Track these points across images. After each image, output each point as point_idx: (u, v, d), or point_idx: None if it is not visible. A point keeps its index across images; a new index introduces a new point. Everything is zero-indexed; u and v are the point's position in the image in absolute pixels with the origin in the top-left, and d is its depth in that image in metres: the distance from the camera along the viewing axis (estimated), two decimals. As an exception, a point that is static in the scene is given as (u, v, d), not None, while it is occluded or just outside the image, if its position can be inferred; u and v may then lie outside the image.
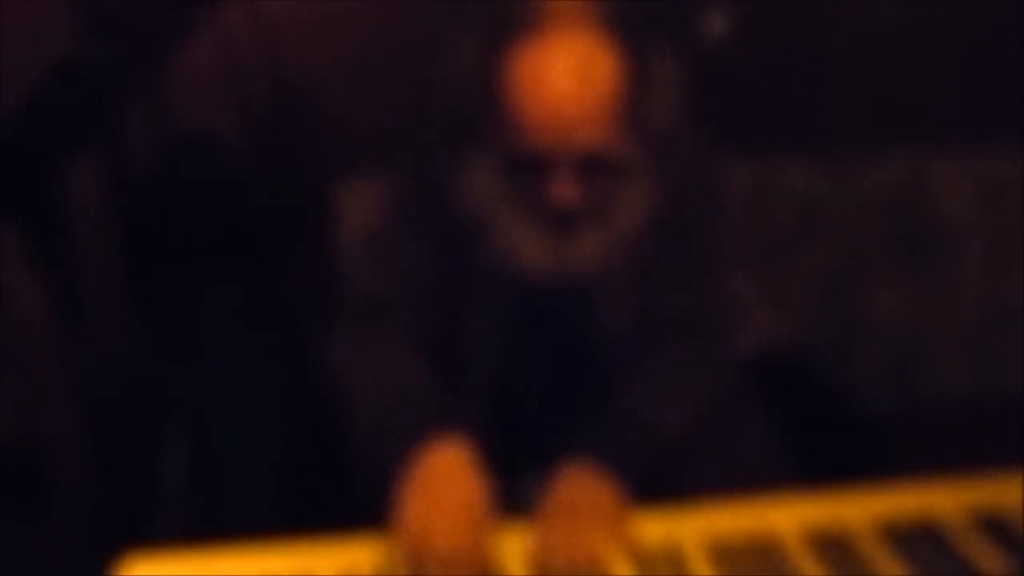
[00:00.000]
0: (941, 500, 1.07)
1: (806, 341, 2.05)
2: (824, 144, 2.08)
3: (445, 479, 1.02)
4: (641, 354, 1.23)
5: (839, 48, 2.08)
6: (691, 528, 1.03)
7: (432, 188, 1.19)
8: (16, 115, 0.98)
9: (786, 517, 1.04)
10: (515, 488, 1.34)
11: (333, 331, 1.32)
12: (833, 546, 1.00)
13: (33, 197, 1.20)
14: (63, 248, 1.27)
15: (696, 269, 1.23)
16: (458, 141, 1.15)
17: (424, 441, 1.07)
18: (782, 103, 2.11)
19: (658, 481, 1.23)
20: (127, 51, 1.13)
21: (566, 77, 1.01)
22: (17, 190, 1.16)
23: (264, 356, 1.84)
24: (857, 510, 1.05)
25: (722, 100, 2.07)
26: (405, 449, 1.08)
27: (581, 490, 1.03)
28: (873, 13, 2.06)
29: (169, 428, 1.60)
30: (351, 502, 1.77)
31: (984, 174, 2.02)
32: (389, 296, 1.28)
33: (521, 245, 1.14)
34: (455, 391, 1.33)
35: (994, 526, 1.03)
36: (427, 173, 1.21)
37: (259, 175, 1.83)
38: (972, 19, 2.09)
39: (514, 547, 1.02)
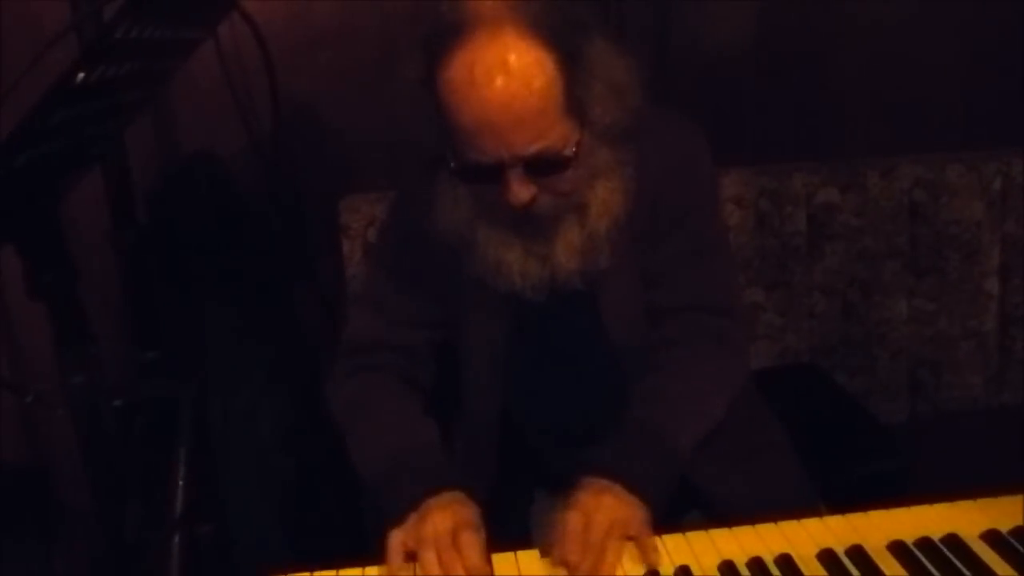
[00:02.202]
0: (958, 516, 1.04)
1: (818, 350, 2.02)
2: (834, 151, 2.05)
3: (444, 541, 1.00)
4: (650, 357, 1.21)
5: (849, 54, 2.06)
6: (707, 550, 1.00)
7: (421, 210, 1.18)
8: (18, 137, 0.96)
9: (803, 539, 1.01)
10: (523, 511, 1.31)
11: (328, 372, 1.30)
12: (851, 565, 0.97)
13: (36, 220, 1.18)
14: (66, 270, 1.25)
15: (691, 257, 1.20)
16: (436, 162, 1.13)
17: (419, 490, 1.05)
18: (792, 110, 2.08)
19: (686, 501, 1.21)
20: (130, 70, 1.11)
21: (495, 80, 0.99)
22: (20, 213, 1.14)
23: (269, 374, 1.82)
24: (873, 529, 1.02)
25: (733, 108, 2.06)
26: (398, 502, 1.06)
27: (601, 509, 1.00)
28: (883, 18, 2.03)
29: (174, 451, 1.57)
30: (359, 528, 1.75)
31: (997, 180, 1.99)
32: (380, 334, 1.27)
33: (506, 259, 1.12)
34: (455, 420, 1.30)
35: (1011, 541, 1.00)
36: (416, 195, 1.20)
37: (263, 193, 1.81)
38: (983, 23, 2.06)
39: (528, 572, 0.99)
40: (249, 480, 1.69)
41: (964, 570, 0.96)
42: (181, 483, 1.56)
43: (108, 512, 1.47)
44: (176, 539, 1.52)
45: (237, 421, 1.67)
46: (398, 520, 1.03)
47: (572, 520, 0.99)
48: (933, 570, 0.96)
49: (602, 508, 1.00)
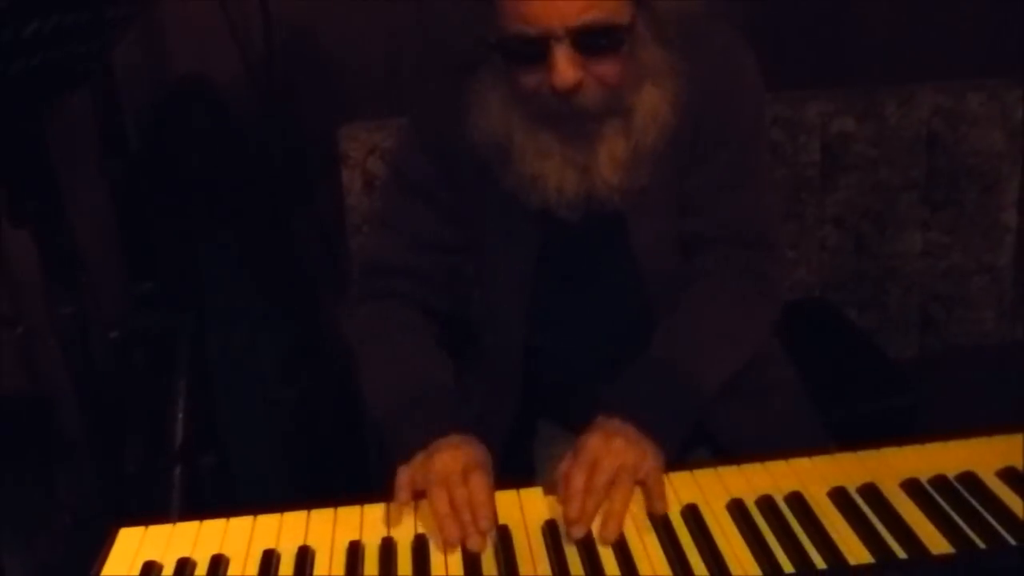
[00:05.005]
0: (972, 454, 1.01)
1: (829, 284, 1.98)
2: (851, 78, 1.98)
3: (452, 484, 0.96)
4: (679, 287, 1.15)
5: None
6: (715, 488, 0.98)
7: (445, 123, 1.11)
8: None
9: (814, 477, 0.98)
10: (527, 443, 1.28)
11: (342, 301, 1.25)
12: (864, 503, 0.95)
13: (18, 144, 1.13)
14: (52, 198, 1.20)
15: (730, 183, 1.13)
16: (469, 69, 1.06)
17: (430, 430, 1.02)
18: (806, 37, 2.01)
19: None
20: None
21: None
22: (3, 139, 1.10)
23: (267, 305, 1.79)
24: (886, 467, 1.00)
25: (746, 33, 1.97)
26: (406, 435, 1.03)
27: (610, 454, 0.96)
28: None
29: (173, 383, 1.55)
30: (359, 458, 1.74)
31: (1020, 110, 1.92)
32: (398, 257, 1.21)
33: (543, 171, 1.05)
34: (471, 353, 1.25)
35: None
36: (440, 108, 1.13)
37: (259, 120, 1.76)
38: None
39: (530, 511, 0.97)
40: (249, 411, 1.67)
41: (980, 508, 0.94)
42: (180, 415, 1.54)
43: (104, 442, 1.46)
44: (177, 470, 1.51)
45: (236, 352, 1.65)
46: (406, 458, 1.01)
47: (575, 475, 0.95)
48: (948, 509, 0.94)
49: (610, 453, 0.96)
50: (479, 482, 0.96)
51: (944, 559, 0.88)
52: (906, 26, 2.02)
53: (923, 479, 0.98)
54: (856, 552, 0.89)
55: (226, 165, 1.67)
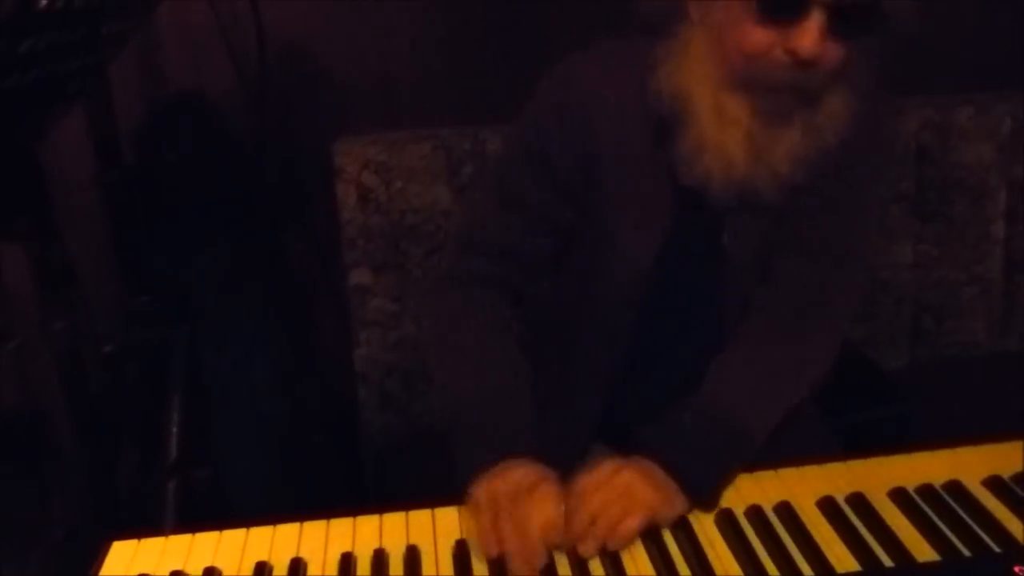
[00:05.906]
0: (959, 462, 1.03)
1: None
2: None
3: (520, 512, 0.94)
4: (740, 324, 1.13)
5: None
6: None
7: (599, 89, 1.08)
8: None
9: (802, 486, 0.99)
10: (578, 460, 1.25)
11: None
12: (851, 512, 0.96)
13: (12, 159, 1.14)
14: (45, 213, 1.21)
15: (832, 204, 1.12)
16: (659, 27, 1.05)
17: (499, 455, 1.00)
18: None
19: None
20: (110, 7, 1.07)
21: None
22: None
23: (262, 319, 1.79)
24: (873, 476, 1.00)
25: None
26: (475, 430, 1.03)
27: (616, 478, 0.96)
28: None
29: (167, 397, 1.56)
30: (354, 471, 1.74)
31: (1006, 123, 1.94)
32: (501, 234, 1.15)
33: (715, 140, 1.02)
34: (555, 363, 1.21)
35: (1013, 488, 0.98)
36: (598, 72, 1.09)
37: (253, 134, 1.77)
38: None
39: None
40: (242, 425, 1.68)
41: (966, 517, 0.95)
42: (175, 429, 1.54)
43: (97, 456, 1.46)
44: (171, 484, 1.51)
45: (230, 367, 1.65)
46: (471, 472, 0.99)
47: (569, 497, 0.95)
48: (935, 517, 0.95)
49: (609, 484, 0.96)
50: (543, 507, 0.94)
51: (930, 567, 0.89)
52: (894, 40, 2.04)
53: (910, 488, 0.99)
54: (844, 561, 0.90)
55: (220, 179, 1.68)
